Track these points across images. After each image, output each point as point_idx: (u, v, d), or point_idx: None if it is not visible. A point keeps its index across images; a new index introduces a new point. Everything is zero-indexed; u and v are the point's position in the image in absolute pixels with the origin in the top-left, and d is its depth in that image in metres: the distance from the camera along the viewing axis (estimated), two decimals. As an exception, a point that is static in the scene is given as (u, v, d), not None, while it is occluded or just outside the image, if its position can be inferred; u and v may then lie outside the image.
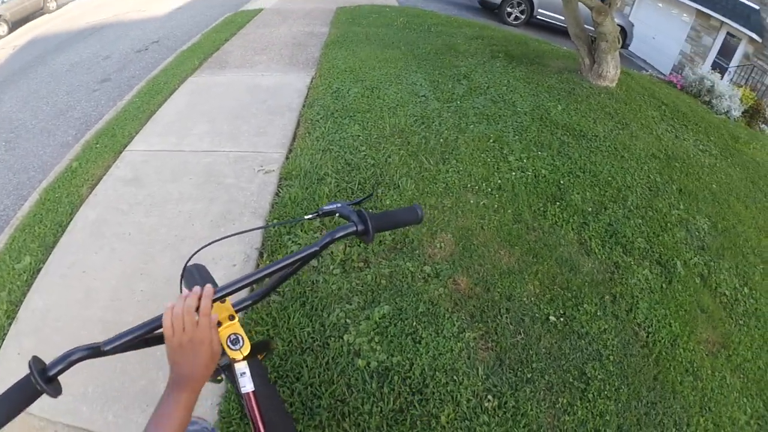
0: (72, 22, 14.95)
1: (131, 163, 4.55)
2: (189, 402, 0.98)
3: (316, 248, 1.15)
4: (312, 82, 6.31)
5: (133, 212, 3.85)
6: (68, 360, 0.94)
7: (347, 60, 7.02)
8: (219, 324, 1.11)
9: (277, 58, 7.49)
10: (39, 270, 3.42)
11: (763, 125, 8.23)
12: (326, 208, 1.27)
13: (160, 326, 0.99)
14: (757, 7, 11.70)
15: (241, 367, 1.15)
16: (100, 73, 8.95)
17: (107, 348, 0.98)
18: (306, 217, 1.29)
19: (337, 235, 1.17)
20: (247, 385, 1.15)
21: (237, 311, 1.16)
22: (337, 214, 1.26)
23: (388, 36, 8.56)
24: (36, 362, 0.91)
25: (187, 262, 1.26)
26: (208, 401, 2.38)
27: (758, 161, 5.99)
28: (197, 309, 1.00)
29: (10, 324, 3.04)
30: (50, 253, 3.56)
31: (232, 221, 3.65)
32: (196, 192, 4.02)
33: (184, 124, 5.25)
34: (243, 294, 1.22)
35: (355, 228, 1.18)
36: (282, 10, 11.22)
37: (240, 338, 1.13)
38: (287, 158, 4.46)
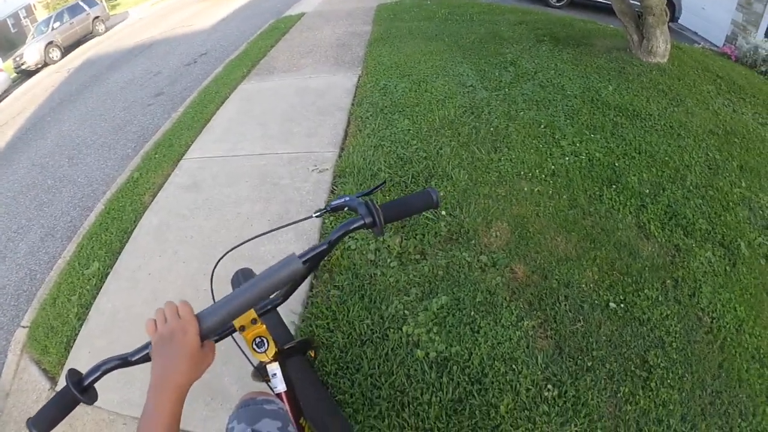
0: (121, 42, 15.61)
1: (189, 171, 4.75)
2: (174, 408, 0.91)
3: (325, 246, 1.12)
4: (359, 80, 6.37)
5: (194, 216, 4.03)
6: (101, 369, 0.99)
7: (392, 56, 7.06)
8: (243, 329, 1.14)
9: (323, 59, 7.58)
10: (107, 274, 3.64)
11: (828, 95, 7.81)
12: (335, 203, 1.24)
13: None
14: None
15: (273, 368, 1.18)
16: (153, 88, 9.29)
17: (133, 359, 1.02)
18: (314, 214, 1.26)
19: (347, 230, 1.14)
20: (278, 385, 1.18)
21: (260, 315, 1.17)
22: (346, 208, 1.23)
23: (430, 29, 8.53)
24: (72, 374, 0.97)
25: (214, 269, 1.27)
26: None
27: (824, 133, 5.68)
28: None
29: (81, 325, 3.24)
30: (117, 259, 3.77)
31: (289, 220, 3.72)
32: (253, 194, 4.16)
33: (237, 130, 5.42)
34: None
35: (363, 221, 1.13)
36: (324, 12, 11.33)
37: (265, 341, 1.15)
38: (340, 156, 4.53)
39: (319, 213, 1.26)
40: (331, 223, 3.59)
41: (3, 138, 9.52)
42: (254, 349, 1.16)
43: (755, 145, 4.82)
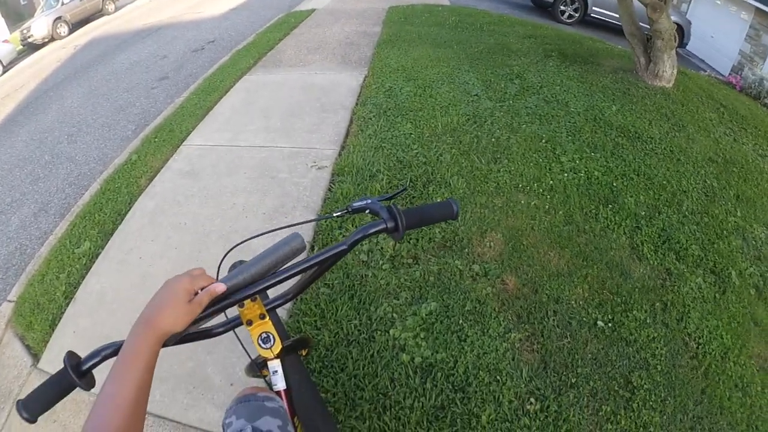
0: (130, 23, 15.53)
1: (188, 157, 4.74)
2: (149, 349, 0.87)
3: (344, 247, 1.11)
4: (365, 80, 6.38)
5: (189, 203, 4.01)
6: (101, 355, 0.97)
7: (399, 59, 7.06)
8: (250, 323, 1.13)
9: (330, 57, 7.58)
10: (98, 255, 3.62)
11: (830, 130, 7.88)
12: (356, 204, 1.20)
13: None
14: (817, 1, 11.16)
15: (274, 365, 1.17)
16: (158, 72, 9.26)
17: None
18: (335, 214, 1.22)
19: (367, 233, 1.12)
20: (279, 383, 1.17)
21: (268, 310, 1.17)
22: (367, 211, 1.19)
23: (440, 35, 8.54)
24: (71, 357, 0.95)
25: (221, 261, 1.23)
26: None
27: (823, 168, 5.72)
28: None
29: (68, 304, 3.22)
30: (109, 240, 3.75)
31: (285, 214, 3.75)
32: (250, 185, 4.15)
33: (240, 120, 5.42)
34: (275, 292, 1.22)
35: (384, 225, 1.11)
36: (335, 10, 11.33)
37: (271, 336, 1.14)
38: (340, 155, 4.53)
39: (339, 213, 1.22)
40: (326, 223, 3.57)
41: (4, 110, 9.45)
42: (260, 345, 1.14)
43: (753, 176, 4.86)
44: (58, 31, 16.75)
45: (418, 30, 8.89)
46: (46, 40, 16.41)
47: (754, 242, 3.93)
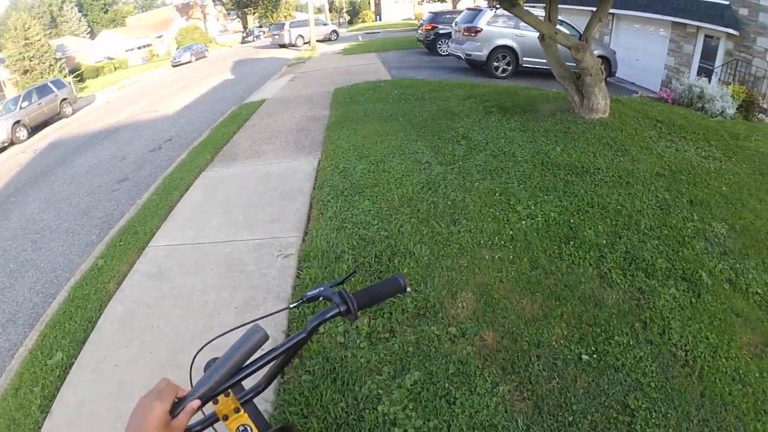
0: (88, 125, 15.85)
1: (154, 258, 4.76)
2: None
3: (304, 335, 1.19)
4: (319, 164, 6.61)
5: (160, 305, 4.00)
6: None
7: (350, 138, 7.34)
8: (226, 418, 1.16)
9: (284, 145, 7.85)
10: (71, 365, 3.53)
11: (761, 115, 8.25)
12: (310, 293, 1.31)
13: None
14: (726, 2, 11.83)
15: None
16: (119, 174, 9.40)
17: None
18: (291, 306, 1.32)
19: (323, 318, 1.21)
20: None
21: (243, 402, 1.20)
22: (320, 298, 1.30)
23: (385, 110, 8.94)
24: None
25: (192, 361, 1.28)
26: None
27: (763, 152, 5.99)
28: (172, 412, 0.96)
29: (44, 418, 3.11)
30: (81, 349, 3.68)
31: (257, 307, 3.77)
32: (219, 282, 4.17)
33: (202, 217, 5.51)
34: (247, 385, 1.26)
35: (338, 309, 1.20)
36: (283, 98, 11.82)
37: (249, 428, 1.18)
38: (304, 241, 4.63)
39: (295, 304, 1.32)
40: (299, 311, 3.58)
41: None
42: None
43: (702, 178, 5.06)
44: (17, 135, 16.80)
45: (365, 108, 9.29)
46: (6, 144, 16.37)
47: (716, 240, 4.06)
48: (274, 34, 34.46)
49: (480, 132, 6.91)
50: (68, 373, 3.47)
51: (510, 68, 13.18)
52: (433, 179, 5.46)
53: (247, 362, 1.13)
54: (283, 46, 32.16)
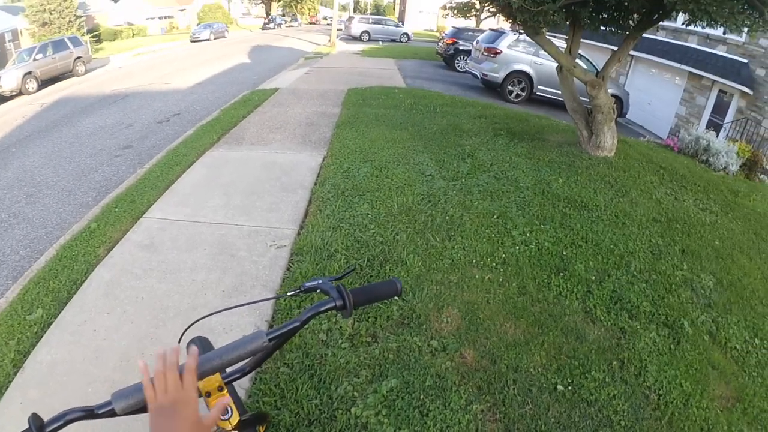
0: (98, 87, 15.79)
1: (148, 230, 4.76)
2: None
3: (298, 323, 1.20)
4: (324, 161, 6.64)
5: (147, 277, 3.99)
6: (65, 419, 1.00)
7: (357, 140, 7.37)
8: (209, 395, 1.19)
9: (291, 136, 7.87)
10: (50, 324, 3.49)
11: (762, 176, 8.35)
12: (308, 284, 1.32)
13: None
14: (745, 61, 11.97)
15: None
16: (123, 140, 9.40)
17: (100, 411, 1.03)
18: (289, 293, 1.35)
19: (319, 310, 1.23)
20: None
21: (226, 383, 1.22)
22: (318, 290, 1.31)
23: (396, 117, 8.98)
24: (35, 419, 0.98)
25: (183, 333, 1.31)
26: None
27: (759, 212, 6.09)
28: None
29: (16, 373, 3.07)
30: (63, 309, 3.64)
31: (244, 293, 3.78)
32: (209, 262, 4.18)
33: (201, 196, 5.52)
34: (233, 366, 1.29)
35: (334, 303, 1.22)
36: (297, 90, 11.83)
37: (229, 409, 1.20)
38: (299, 234, 4.65)
39: (293, 293, 1.34)
40: (285, 303, 3.62)
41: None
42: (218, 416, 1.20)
43: (696, 229, 5.12)
44: (27, 85, 16.87)
45: (376, 112, 9.33)
46: (14, 93, 16.45)
47: (702, 291, 4.12)
48: (345, 25, 36.69)
49: (486, 153, 6.97)
50: (46, 331, 3.42)
51: (524, 94, 13.27)
52: (434, 192, 5.51)
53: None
54: (353, 37, 33.33)
